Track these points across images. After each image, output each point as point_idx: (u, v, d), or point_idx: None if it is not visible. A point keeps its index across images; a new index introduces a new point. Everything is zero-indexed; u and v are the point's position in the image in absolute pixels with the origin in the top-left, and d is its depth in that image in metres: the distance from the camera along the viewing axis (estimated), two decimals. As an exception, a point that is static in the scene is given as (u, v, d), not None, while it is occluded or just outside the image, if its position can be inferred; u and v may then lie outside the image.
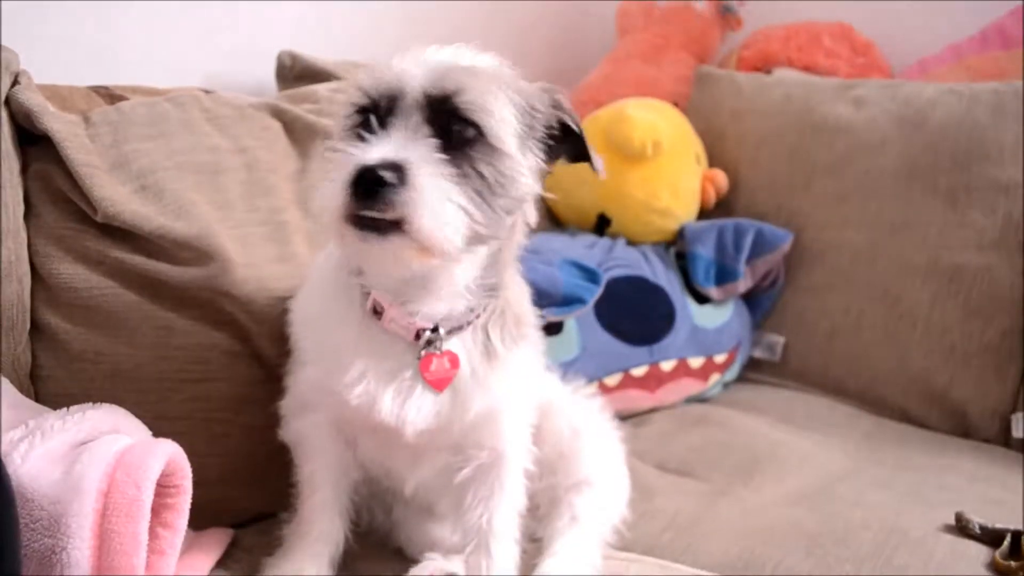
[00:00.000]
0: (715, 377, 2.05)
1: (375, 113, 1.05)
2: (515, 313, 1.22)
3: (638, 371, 1.93)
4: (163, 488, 0.98)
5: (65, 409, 1.06)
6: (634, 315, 1.95)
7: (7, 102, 1.33)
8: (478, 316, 1.18)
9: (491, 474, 1.24)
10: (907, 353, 2.01)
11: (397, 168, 0.97)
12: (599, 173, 1.20)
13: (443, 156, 1.01)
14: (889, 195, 2.10)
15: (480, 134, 1.04)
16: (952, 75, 2.31)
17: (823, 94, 2.25)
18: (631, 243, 2.11)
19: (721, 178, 2.24)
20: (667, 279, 2.05)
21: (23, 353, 1.30)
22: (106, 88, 1.51)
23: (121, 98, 1.49)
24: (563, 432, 1.38)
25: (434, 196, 0.99)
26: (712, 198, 2.23)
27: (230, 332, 1.41)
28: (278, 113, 1.64)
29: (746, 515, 1.55)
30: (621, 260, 2.02)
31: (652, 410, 1.98)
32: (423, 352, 1.16)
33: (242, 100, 1.63)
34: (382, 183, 0.97)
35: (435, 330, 1.15)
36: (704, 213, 2.23)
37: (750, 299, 2.17)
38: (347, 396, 1.15)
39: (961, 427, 1.95)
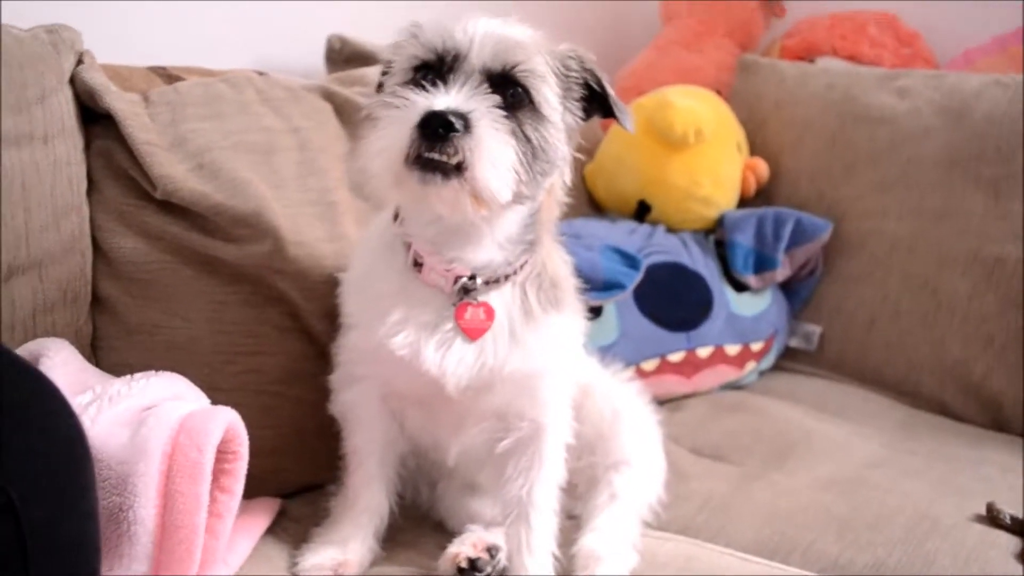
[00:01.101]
0: (751, 365, 2.07)
1: (435, 70, 1.11)
2: (551, 276, 1.26)
3: (675, 357, 1.96)
4: (221, 454, 1.02)
5: (129, 376, 1.11)
6: (672, 301, 1.97)
7: (71, 81, 1.38)
8: (515, 272, 1.22)
9: (531, 446, 1.28)
10: (944, 344, 2.02)
11: (463, 117, 1.04)
12: (627, 127, 1.23)
13: (502, 113, 1.08)
14: (930, 185, 2.09)
15: (530, 101, 1.12)
16: (997, 66, 2.29)
17: (866, 84, 2.24)
18: (671, 230, 2.13)
19: (762, 167, 2.24)
20: (706, 266, 2.06)
21: (85, 324, 1.35)
22: (164, 69, 1.56)
23: (178, 78, 1.54)
24: (603, 413, 1.42)
25: (494, 147, 1.06)
26: (753, 186, 2.23)
27: (281, 308, 1.46)
28: (329, 95, 1.68)
29: (778, 498, 1.57)
30: (661, 247, 2.04)
31: (688, 396, 2.00)
32: (458, 300, 1.20)
33: (294, 82, 1.67)
34: (451, 127, 1.03)
35: (472, 279, 1.20)
36: (744, 201, 2.24)
37: (788, 288, 2.18)
38: (390, 346, 1.19)
39: (996, 420, 1.95)
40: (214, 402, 1.30)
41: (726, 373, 2.03)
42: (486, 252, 1.20)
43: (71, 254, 1.32)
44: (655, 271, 1.96)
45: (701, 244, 2.12)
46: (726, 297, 2.05)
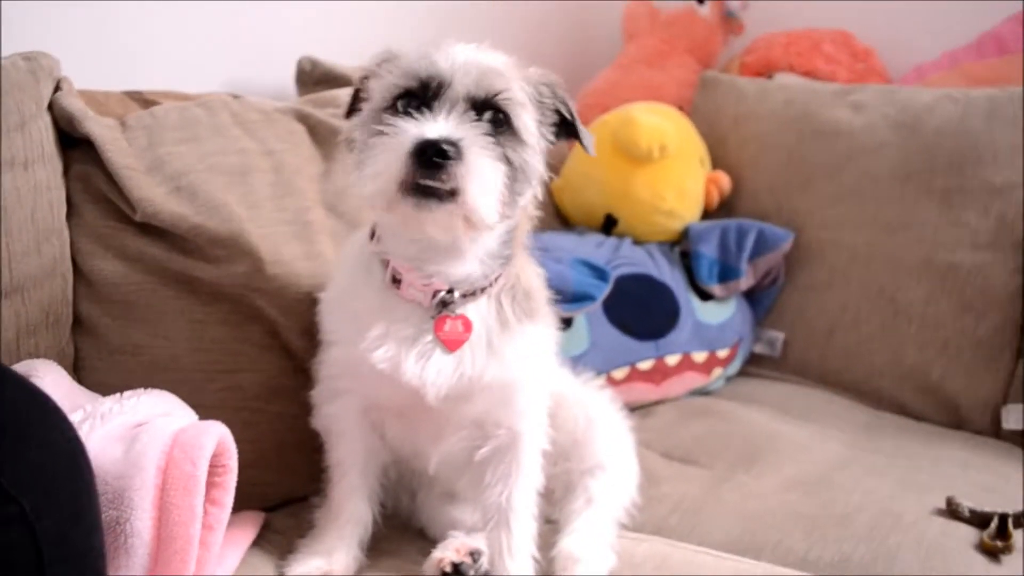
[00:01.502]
0: (718, 371, 2.13)
1: (418, 97, 1.16)
2: (525, 288, 1.32)
3: (644, 365, 2.01)
4: (212, 467, 1.05)
5: (119, 394, 1.14)
6: (640, 311, 2.03)
7: (50, 107, 1.41)
8: (491, 284, 1.27)
9: (509, 454, 1.32)
10: (902, 348, 2.09)
11: (455, 144, 1.10)
12: (589, 151, 1.30)
13: (490, 140, 1.14)
14: (886, 197, 2.17)
15: (510, 126, 1.18)
16: (949, 81, 2.38)
17: (823, 99, 2.32)
18: (637, 242, 2.19)
19: (724, 180, 2.31)
20: (672, 277, 2.12)
21: (67, 346, 1.38)
22: (139, 93, 1.59)
23: (154, 103, 1.57)
24: (578, 420, 1.46)
25: (485, 172, 1.12)
26: (715, 199, 2.30)
27: (261, 326, 1.49)
28: (303, 117, 1.72)
29: (747, 500, 1.63)
30: (628, 259, 2.10)
31: (657, 402, 2.05)
32: (437, 313, 1.24)
33: (268, 104, 1.70)
34: (444, 155, 1.09)
35: (450, 292, 1.25)
36: (708, 214, 2.31)
37: (751, 297, 2.25)
38: (371, 360, 1.23)
39: (954, 419, 2.03)
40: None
41: (694, 380, 2.09)
42: (466, 267, 1.25)
43: (52, 277, 1.34)
44: (623, 282, 2.02)
45: (667, 255, 2.18)
46: (692, 306, 2.12)
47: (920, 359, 2.07)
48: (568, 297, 1.88)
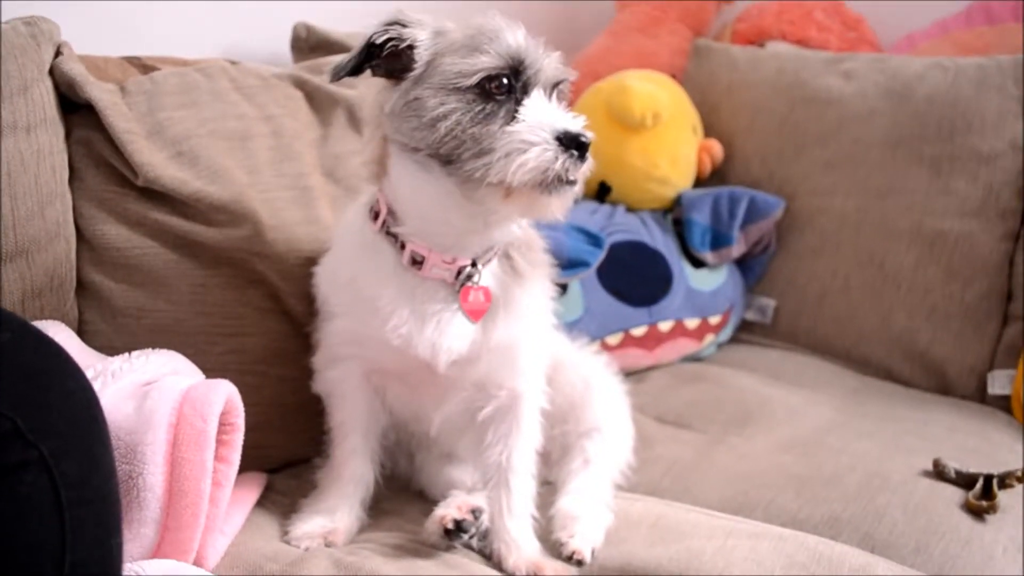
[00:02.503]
0: (709, 338, 2.16)
1: (510, 80, 1.16)
2: (526, 239, 1.35)
3: (638, 331, 2.04)
4: (220, 425, 1.07)
5: (128, 353, 1.16)
6: (634, 278, 2.05)
7: (51, 72, 1.41)
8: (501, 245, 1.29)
9: (510, 414, 1.35)
10: (891, 314, 2.13)
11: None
12: None
13: None
14: (876, 164, 2.20)
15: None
16: (939, 49, 2.40)
17: (814, 67, 2.34)
18: (630, 210, 2.21)
19: (716, 148, 2.33)
20: (665, 244, 2.15)
21: (71, 309, 1.39)
22: (138, 59, 1.59)
23: (153, 68, 1.57)
24: (575, 384, 1.49)
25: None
26: (708, 167, 2.32)
27: (262, 290, 1.51)
28: (300, 83, 1.72)
29: (739, 461, 1.67)
30: (622, 226, 2.12)
31: (651, 368, 2.09)
32: (461, 285, 1.26)
33: (265, 70, 1.71)
34: (585, 150, 1.14)
35: (474, 264, 1.26)
36: (700, 181, 2.33)
37: (743, 264, 2.28)
38: (388, 336, 1.25)
39: (941, 384, 2.07)
40: (199, 383, 1.35)
41: (686, 346, 2.12)
42: (492, 239, 1.27)
43: (56, 241, 1.35)
44: (617, 249, 2.04)
45: (660, 223, 2.20)
46: (685, 273, 2.14)
47: (908, 325, 2.11)
48: (563, 263, 1.89)
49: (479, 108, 1.13)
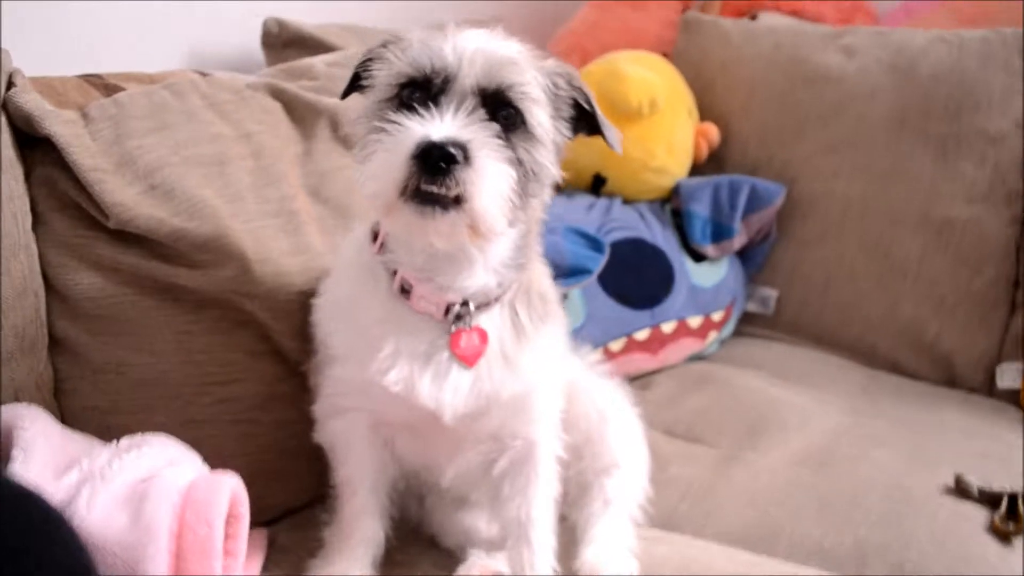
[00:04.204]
0: (713, 335, 2.09)
1: (423, 89, 1.07)
2: (539, 291, 1.25)
3: (641, 335, 1.96)
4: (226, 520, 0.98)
5: (115, 443, 1.05)
6: (635, 279, 1.97)
7: (4, 106, 1.26)
8: (504, 292, 1.20)
9: (527, 464, 1.27)
10: (898, 303, 2.07)
11: (462, 147, 1.01)
12: (614, 147, 1.22)
13: (499, 140, 1.05)
14: (880, 145, 2.12)
15: (523, 122, 1.09)
16: (938, 19, 2.31)
17: (813, 43, 2.24)
18: (627, 202, 2.11)
19: (713, 132, 2.23)
20: (664, 239, 2.06)
21: (45, 370, 1.27)
22: (99, 77, 1.44)
23: (116, 88, 1.42)
24: (590, 416, 1.41)
25: (494, 177, 1.03)
26: (704, 152, 2.23)
27: (251, 331, 1.40)
28: (277, 93, 1.58)
29: (756, 479, 1.61)
30: (619, 222, 2.03)
31: (655, 371, 2.01)
32: (453, 327, 1.17)
33: (238, 81, 1.56)
34: (451, 159, 1.00)
35: (465, 304, 1.17)
36: (697, 167, 2.23)
37: (743, 253, 2.20)
38: (383, 382, 1.16)
39: (948, 376, 2.03)
40: (190, 436, 1.26)
41: (690, 346, 2.05)
42: (479, 278, 1.17)
43: (23, 297, 1.23)
44: (617, 248, 1.95)
45: (658, 215, 2.11)
46: (686, 269, 2.06)
47: (915, 315, 2.05)
48: (564, 271, 1.80)
49: (385, 120, 1.05)
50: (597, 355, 1.63)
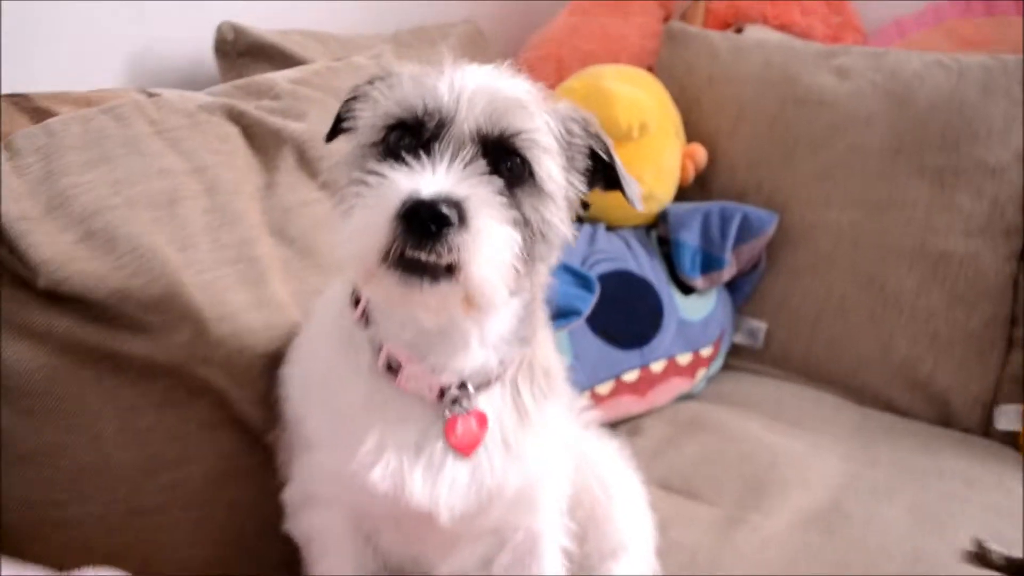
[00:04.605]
0: (702, 372, 1.97)
1: (414, 134, 0.92)
2: (543, 365, 1.11)
3: (629, 376, 1.82)
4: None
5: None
6: (624, 316, 1.83)
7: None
8: (506, 370, 1.05)
9: (529, 557, 1.15)
10: (891, 340, 1.97)
11: (457, 205, 0.84)
12: (635, 204, 1.08)
13: (502, 197, 0.89)
14: (874, 174, 2.01)
15: (531, 174, 0.93)
16: (933, 40, 2.21)
17: (804, 62, 2.11)
18: (610, 228, 1.97)
19: (701, 153, 2.10)
20: (652, 269, 1.92)
21: (-38, 461, 1.06)
22: (26, 98, 1.22)
23: (46, 112, 1.21)
24: (594, 492, 1.28)
25: (494, 243, 0.87)
26: (691, 174, 2.09)
27: (207, 401, 1.21)
28: (236, 116, 1.39)
29: (764, 547, 1.48)
30: (605, 252, 1.88)
31: (644, 414, 1.88)
32: (448, 413, 1.02)
33: (190, 102, 1.36)
34: (443, 221, 0.83)
35: (462, 387, 1.02)
36: (682, 190, 2.10)
37: (731, 283, 2.08)
38: (368, 479, 1.00)
39: (943, 415, 1.94)
40: (137, 528, 1.08)
41: (679, 385, 1.92)
42: (478, 357, 1.02)
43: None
44: (604, 283, 1.79)
45: (644, 243, 1.97)
46: (675, 303, 1.92)
47: (909, 353, 1.96)
48: (553, 312, 1.64)
49: (367, 171, 0.90)
50: (584, 400, 1.49)
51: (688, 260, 1.94)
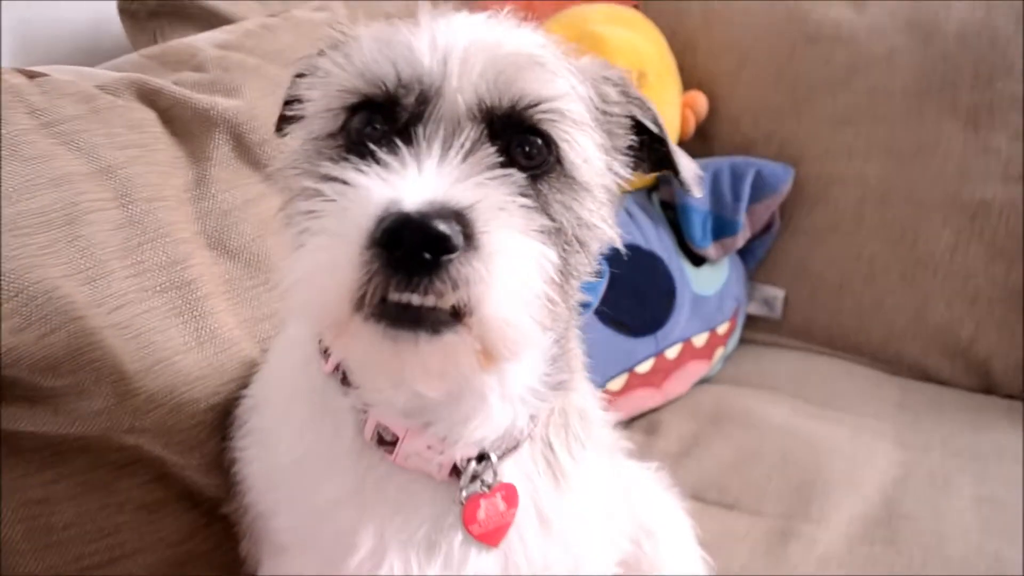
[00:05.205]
0: (719, 352, 1.74)
1: (387, 116, 0.65)
2: (579, 407, 0.86)
3: (643, 367, 1.58)
4: None
5: None
6: (634, 300, 1.58)
7: None
8: (537, 426, 0.81)
9: None
10: (926, 303, 1.76)
11: (459, 217, 0.58)
12: (691, 189, 0.84)
13: (523, 198, 0.63)
14: (900, 118, 1.78)
15: (559, 160, 0.68)
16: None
17: (815, -8, 1.85)
18: (606, 194, 1.70)
19: (701, 102, 1.84)
20: (659, 240, 1.67)
21: None
22: None
23: None
24: (642, 545, 1.04)
25: (518, 266, 0.61)
26: (692, 125, 1.84)
27: (142, 476, 0.94)
28: (150, 96, 1.09)
29: (824, 564, 1.28)
30: (605, 226, 1.62)
31: (660, 407, 1.64)
32: (465, 494, 0.76)
33: (87, 80, 1.05)
34: (440, 246, 0.57)
35: (482, 458, 0.77)
36: (682, 143, 1.83)
37: (742, 247, 1.83)
38: None
39: (984, 383, 1.75)
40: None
41: (696, 370, 1.69)
42: (499, 418, 0.76)
43: None
44: (607, 262, 1.54)
45: (647, 210, 1.72)
46: (687, 277, 1.68)
47: (947, 317, 1.75)
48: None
49: (322, 176, 0.64)
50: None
51: (699, 227, 1.70)
